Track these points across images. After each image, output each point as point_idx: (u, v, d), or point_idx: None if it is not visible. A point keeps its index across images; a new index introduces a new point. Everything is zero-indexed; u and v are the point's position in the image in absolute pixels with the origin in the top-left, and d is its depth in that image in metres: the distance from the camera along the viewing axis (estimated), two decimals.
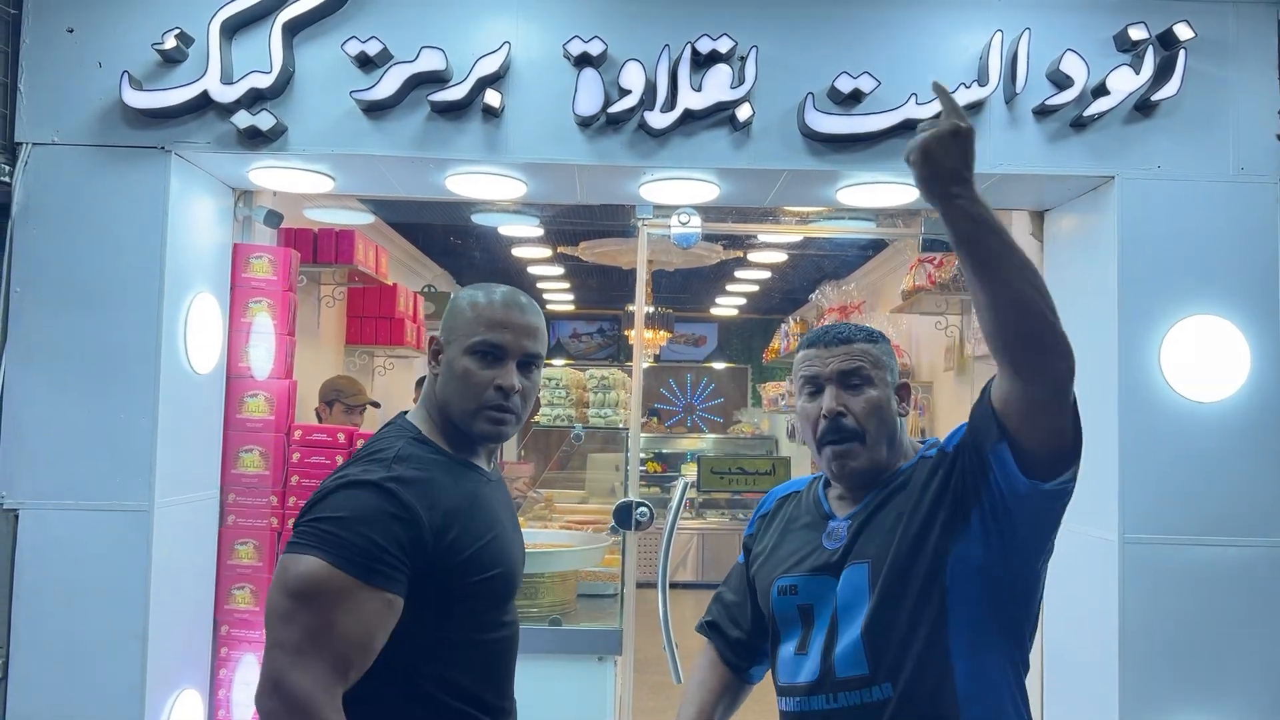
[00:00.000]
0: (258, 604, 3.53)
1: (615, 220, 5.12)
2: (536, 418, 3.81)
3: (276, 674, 1.45)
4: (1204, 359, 3.03)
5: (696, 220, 3.61)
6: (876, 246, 6.65)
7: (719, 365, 12.04)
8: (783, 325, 8.65)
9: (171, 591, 3.16)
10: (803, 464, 8.68)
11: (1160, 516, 3.01)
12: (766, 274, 7.72)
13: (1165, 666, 2.97)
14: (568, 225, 5.76)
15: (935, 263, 4.85)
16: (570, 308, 10.67)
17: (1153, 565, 3.00)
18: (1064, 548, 3.47)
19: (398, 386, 6.49)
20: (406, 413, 1.76)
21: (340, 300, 5.13)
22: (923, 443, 1.77)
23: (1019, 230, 3.93)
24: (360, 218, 4.48)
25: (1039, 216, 3.66)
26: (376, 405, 4.89)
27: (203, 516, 3.42)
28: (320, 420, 4.70)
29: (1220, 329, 3.03)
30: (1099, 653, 3.10)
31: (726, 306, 10.06)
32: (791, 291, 8.59)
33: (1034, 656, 3.64)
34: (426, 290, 6.67)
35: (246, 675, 3.52)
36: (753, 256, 6.83)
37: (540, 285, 8.83)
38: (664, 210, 3.63)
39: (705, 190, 3.34)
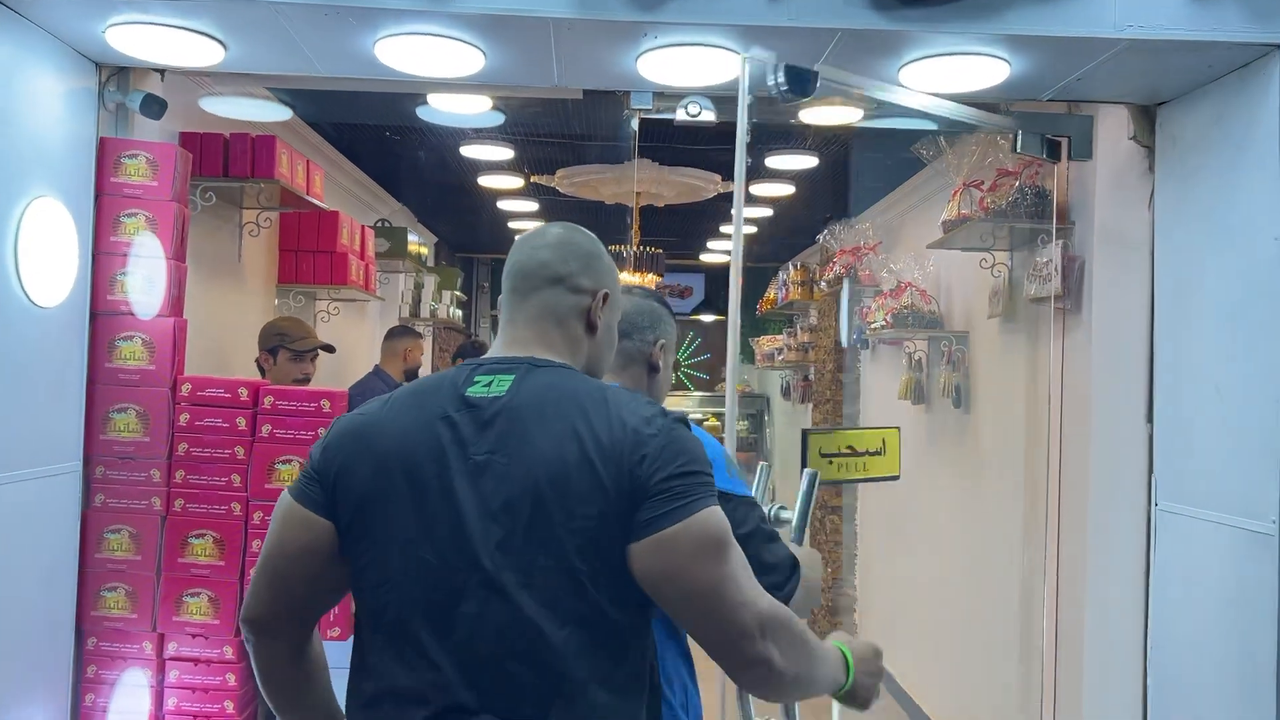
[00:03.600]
0: (135, 609, 2.71)
1: (600, 126, 4.25)
2: None
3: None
4: None
5: (710, 114, 2.77)
6: (894, 179, 5.84)
7: (707, 318, 11.23)
8: (780, 273, 7.84)
9: (8, 594, 2.34)
10: (801, 421, 7.92)
11: None
12: (768, 211, 6.88)
13: None
14: (541, 140, 4.89)
15: (988, 186, 4.03)
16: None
17: None
18: (1183, 541, 2.72)
19: (347, 336, 5.63)
20: (567, 366, 1.43)
21: (267, 229, 4.26)
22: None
23: (1114, 131, 3.10)
24: (270, 111, 3.59)
25: (1144, 113, 2.85)
26: (330, 349, 4.05)
27: (57, 497, 2.59)
28: (263, 374, 3.85)
29: None
30: (1236, 679, 2.34)
31: (717, 252, 9.24)
32: (791, 235, 7.77)
33: (1134, 682, 2.91)
34: (380, 225, 5.80)
35: (123, 702, 2.71)
36: (756, 189, 5.99)
37: (513, 225, 7.95)
38: (667, 101, 2.79)
39: (724, 65, 2.50)
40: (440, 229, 8.21)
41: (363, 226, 4.98)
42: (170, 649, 2.73)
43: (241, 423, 2.74)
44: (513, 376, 1.36)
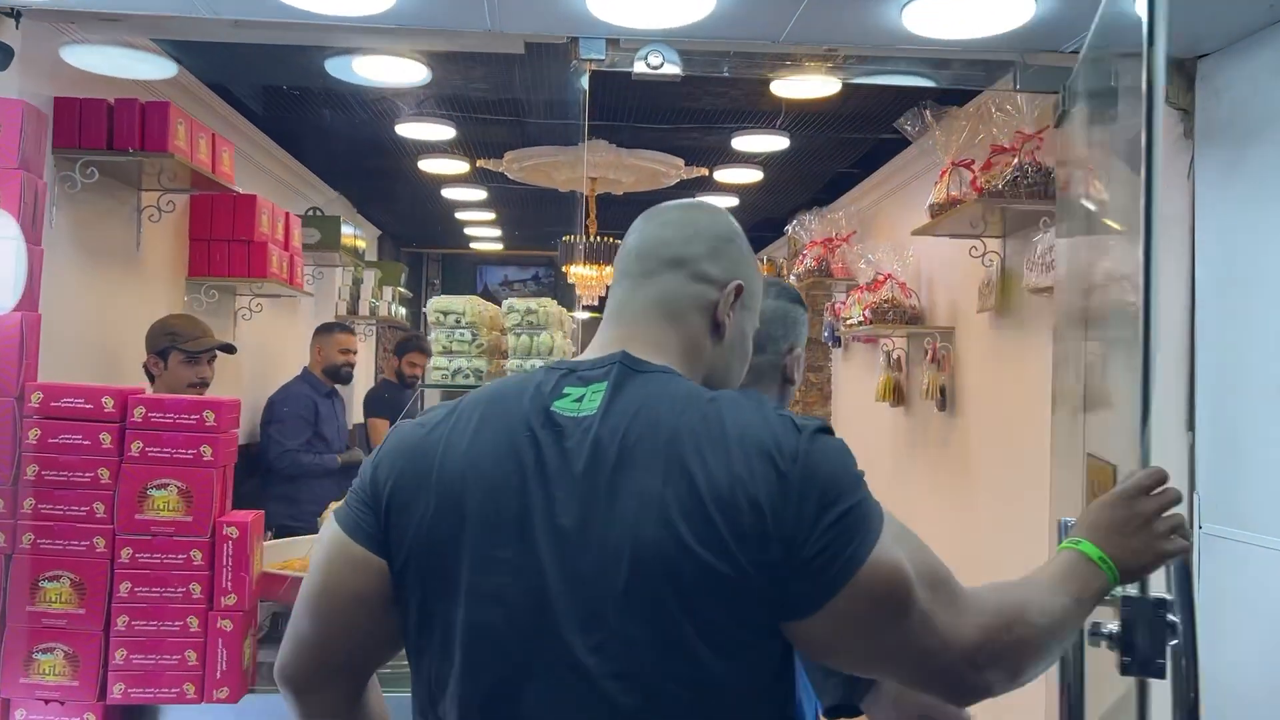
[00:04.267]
0: None
1: (547, 91, 3.79)
2: (422, 370, 2.56)
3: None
4: None
5: (674, 66, 2.33)
6: (871, 164, 5.46)
7: None
8: None
9: None
10: None
11: None
12: (733, 200, 6.46)
13: None
14: (484, 117, 4.42)
15: (980, 165, 3.64)
16: (498, 247, 9.31)
17: None
18: (1233, 570, 2.30)
19: (276, 336, 5.12)
20: (674, 371, 1.13)
21: (171, 213, 3.74)
22: None
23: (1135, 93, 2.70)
24: (152, 66, 3.08)
25: (1179, 69, 2.45)
26: (230, 350, 3.55)
27: None
28: (152, 380, 3.36)
29: None
30: None
31: None
32: (759, 226, 7.35)
33: None
34: (311, 214, 5.29)
35: None
36: (720, 175, 5.56)
37: (460, 215, 7.46)
38: (623, 51, 2.35)
39: (689, 1, 2.06)
40: (383, 221, 7.71)
41: (286, 213, 4.48)
42: (17, 717, 2.23)
43: (106, 439, 2.24)
44: (605, 386, 1.09)
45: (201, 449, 2.25)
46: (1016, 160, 3.38)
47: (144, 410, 2.25)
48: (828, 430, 1.07)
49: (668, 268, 1.19)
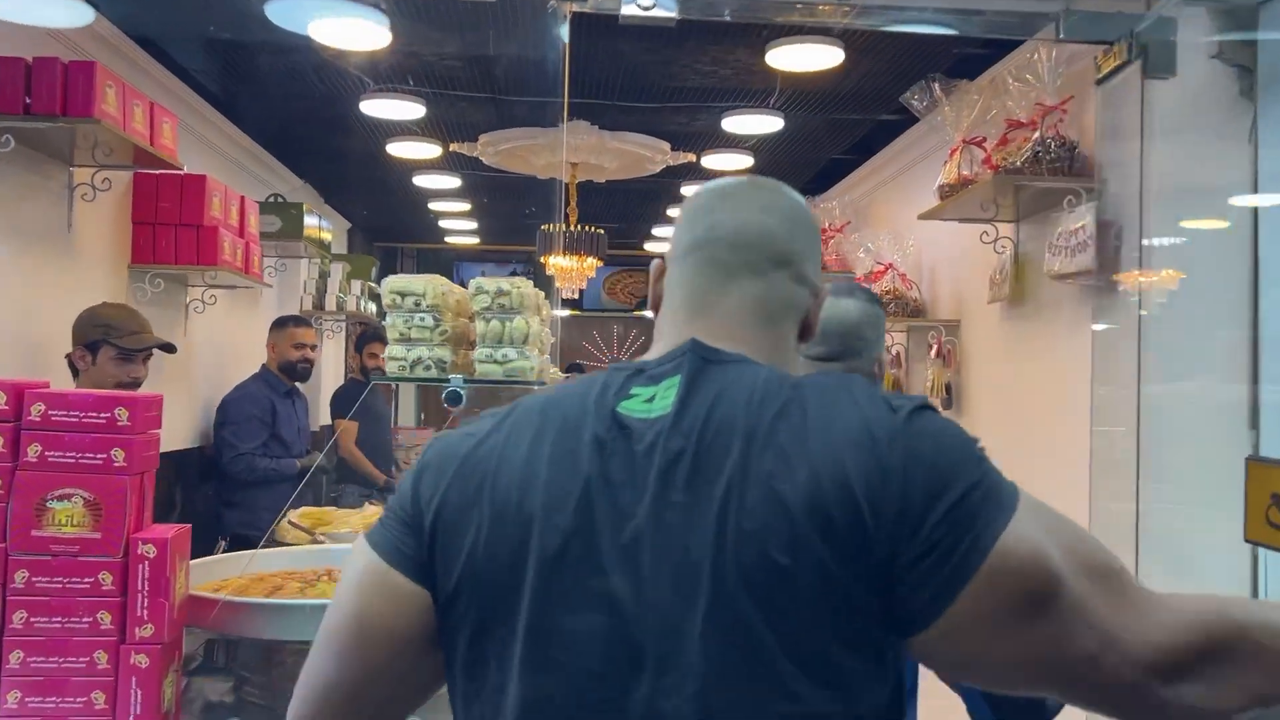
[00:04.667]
0: None
1: (521, 46, 3.46)
2: (381, 362, 2.27)
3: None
4: None
5: (667, 10, 2.02)
6: (866, 150, 5.18)
7: (653, 315, 10.59)
8: None
9: None
10: None
11: None
12: None
13: None
14: (456, 94, 4.10)
15: (994, 142, 3.35)
16: (474, 241, 8.97)
17: None
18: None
19: (236, 331, 4.77)
20: (744, 359, 0.99)
21: (109, 192, 3.40)
22: None
23: (1196, 49, 2.40)
24: (64, 11, 2.73)
25: (1236, 20, 2.17)
26: (169, 349, 3.21)
27: None
28: (76, 374, 3.02)
29: None
30: None
31: (664, 240, 8.51)
32: None
33: None
34: (271, 200, 4.95)
35: None
36: (709, 161, 5.27)
37: (434, 207, 7.12)
38: None
39: None
40: (354, 213, 7.37)
41: (242, 197, 4.15)
42: None
43: None
44: (678, 380, 0.97)
45: (113, 453, 1.92)
46: (1037, 134, 3.09)
47: (43, 407, 1.91)
48: (929, 407, 0.92)
49: (774, 265, 1.05)
